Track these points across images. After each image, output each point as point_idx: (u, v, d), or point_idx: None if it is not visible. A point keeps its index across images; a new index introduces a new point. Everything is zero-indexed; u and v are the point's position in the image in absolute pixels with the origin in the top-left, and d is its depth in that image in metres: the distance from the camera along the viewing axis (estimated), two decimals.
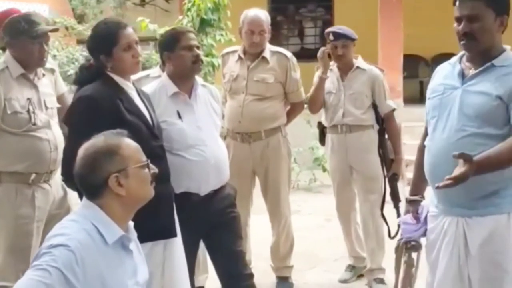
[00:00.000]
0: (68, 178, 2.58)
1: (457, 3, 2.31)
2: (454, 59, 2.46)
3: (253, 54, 3.79)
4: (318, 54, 3.89)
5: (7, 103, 2.93)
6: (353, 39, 3.92)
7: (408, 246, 2.55)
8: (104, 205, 1.87)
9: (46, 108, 3.05)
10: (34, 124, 2.97)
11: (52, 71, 3.24)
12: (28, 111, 2.97)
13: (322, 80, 3.89)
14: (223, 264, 3.03)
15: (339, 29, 3.93)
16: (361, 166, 3.94)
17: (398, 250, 2.60)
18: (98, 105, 2.49)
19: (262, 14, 3.78)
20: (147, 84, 3.24)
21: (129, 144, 1.94)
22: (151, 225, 2.37)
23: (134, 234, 1.99)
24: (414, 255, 2.58)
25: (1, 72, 2.97)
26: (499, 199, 2.28)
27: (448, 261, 2.35)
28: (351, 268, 4.15)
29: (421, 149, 2.58)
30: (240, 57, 3.83)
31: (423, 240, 2.56)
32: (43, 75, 3.11)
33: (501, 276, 2.29)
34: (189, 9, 5.58)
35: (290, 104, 3.94)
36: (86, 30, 8.26)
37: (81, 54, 7.57)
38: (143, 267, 2.01)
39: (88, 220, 1.85)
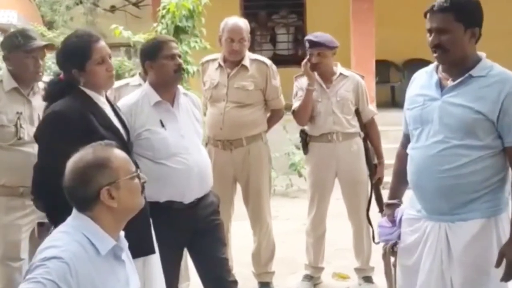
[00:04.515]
0: (38, 198, 2.53)
1: (428, 15, 2.34)
2: (430, 67, 2.47)
3: (233, 62, 3.81)
4: (302, 64, 3.84)
5: None
6: (331, 47, 3.86)
7: (395, 250, 2.59)
8: (96, 217, 1.87)
9: None
10: (20, 138, 2.99)
11: None
12: (15, 125, 2.98)
13: (309, 92, 3.84)
14: (207, 272, 3.04)
15: (315, 37, 3.85)
16: (349, 175, 3.95)
17: (385, 255, 2.64)
18: (69, 121, 2.43)
19: (242, 23, 3.79)
20: (128, 93, 3.25)
21: (118, 156, 1.93)
22: (128, 242, 2.33)
23: (125, 244, 1.99)
24: None
25: None
26: (480, 204, 2.33)
27: (431, 264, 2.39)
28: (309, 278, 4.13)
29: (400, 156, 2.63)
30: (220, 65, 3.85)
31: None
32: (43, 90, 3.11)
33: (483, 279, 2.34)
34: (163, 16, 5.57)
35: (270, 111, 3.96)
36: (56, 37, 8.17)
37: (53, 62, 7.49)
38: (135, 277, 2.02)
39: (79, 231, 1.84)
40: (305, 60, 3.86)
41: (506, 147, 2.31)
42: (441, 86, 2.38)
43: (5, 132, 2.98)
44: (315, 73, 3.90)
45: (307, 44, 3.88)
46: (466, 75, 2.32)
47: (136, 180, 1.95)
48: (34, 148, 2.97)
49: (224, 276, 3.04)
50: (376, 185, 3.97)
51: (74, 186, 1.86)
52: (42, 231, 2.60)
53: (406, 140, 2.59)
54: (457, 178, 2.30)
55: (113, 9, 11.70)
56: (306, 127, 4.02)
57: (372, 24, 7.75)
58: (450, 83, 2.36)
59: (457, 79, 2.34)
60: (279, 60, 9.86)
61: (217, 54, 3.95)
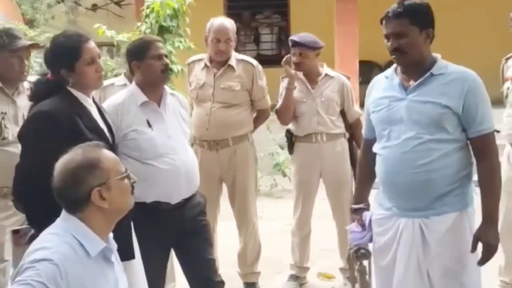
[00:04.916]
0: (19, 199, 2.49)
1: (384, 22, 2.46)
2: (389, 71, 2.57)
3: (219, 62, 3.80)
4: (282, 63, 3.87)
5: None
6: (313, 48, 3.86)
7: (359, 255, 2.64)
8: (86, 218, 1.86)
9: None
10: (4, 138, 2.96)
11: None
12: (0, 125, 2.94)
13: (289, 91, 3.85)
14: (194, 272, 3.03)
15: (299, 37, 3.85)
16: (334, 175, 3.97)
17: (349, 259, 2.69)
18: (57, 121, 2.39)
19: (228, 23, 3.79)
20: (113, 93, 3.24)
21: (108, 156, 1.93)
22: None
23: (114, 245, 1.99)
24: (365, 263, 2.67)
25: None
26: (452, 198, 2.43)
27: (407, 261, 2.45)
28: (295, 278, 4.15)
29: (361, 163, 2.75)
30: (206, 65, 3.84)
31: (370, 246, 2.64)
32: (28, 89, 3.06)
33: (459, 269, 2.43)
34: (147, 16, 5.53)
35: (256, 111, 3.96)
36: (38, 35, 8.06)
37: (35, 61, 7.39)
38: (123, 278, 2.02)
39: (68, 233, 1.83)
40: (284, 58, 3.85)
41: (470, 138, 2.43)
42: (403, 87, 2.47)
43: None
44: (300, 73, 3.90)
45: (290, 44, 3.90)
46: (428, 74, 2.43)
47: (126, 181, 1.94)
48: (18, 148, 2.92)
49: (211, 276, 3.05)
50: None
51: (65, 187, 1.85)
52: (17, 238, 2.57)
53: (367, 145, 2.69)
54: (431, 173, 2.39)
55: (94, 7, 11.61)
56: (291, 127, 4.03)
57: (356, 24, 7.78)
58: (412, 83, 2.45)
59: (418, 79, 2.44)
60: (263, 60, 9.73)
61: (203, 54, 3.94)
